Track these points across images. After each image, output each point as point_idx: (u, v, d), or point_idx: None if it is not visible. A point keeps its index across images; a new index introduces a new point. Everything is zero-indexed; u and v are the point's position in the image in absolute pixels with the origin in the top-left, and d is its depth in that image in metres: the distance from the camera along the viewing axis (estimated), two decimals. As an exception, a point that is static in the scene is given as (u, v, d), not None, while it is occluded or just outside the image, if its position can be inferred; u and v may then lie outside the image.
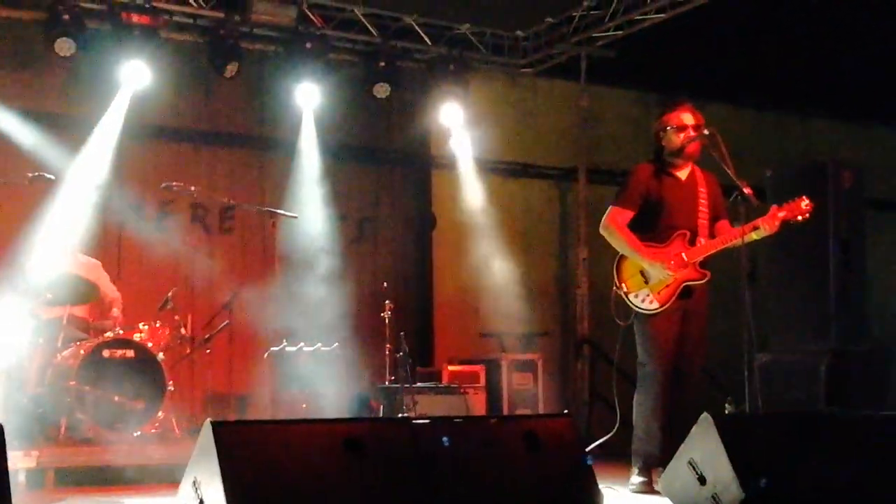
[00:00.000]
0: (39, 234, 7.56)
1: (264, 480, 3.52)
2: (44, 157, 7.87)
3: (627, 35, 9.28)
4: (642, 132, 5.99)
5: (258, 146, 9.30)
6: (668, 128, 5.61)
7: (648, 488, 5.41)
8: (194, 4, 8.56)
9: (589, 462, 4.18)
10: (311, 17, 8.91)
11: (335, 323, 8.05)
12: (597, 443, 5.82)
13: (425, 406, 7.73)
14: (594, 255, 9.31)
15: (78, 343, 6.83)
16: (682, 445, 4.38)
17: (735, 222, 5.45)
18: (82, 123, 8.30)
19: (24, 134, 8.03)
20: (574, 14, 9.39)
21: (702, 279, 5.50)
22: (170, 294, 7.23)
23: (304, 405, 7.50)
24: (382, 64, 9.13)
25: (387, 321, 7.89)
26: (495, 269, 9.67)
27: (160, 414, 6.75)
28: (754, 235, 5.39)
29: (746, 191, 5.27)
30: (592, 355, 9.68)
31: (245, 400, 7.99)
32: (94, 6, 8.27)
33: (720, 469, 4.12)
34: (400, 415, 7.46)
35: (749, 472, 4.06)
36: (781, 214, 5.37)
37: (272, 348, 7.48)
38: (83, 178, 8.08)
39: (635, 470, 5.53)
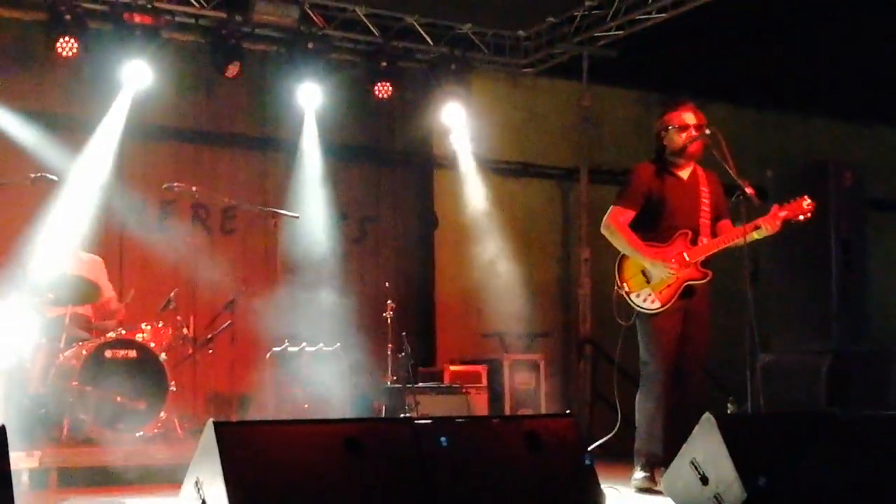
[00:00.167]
0: (42, 235, 7.57)
1: (266, 480, 3.53)
2: (46, 158, 7.88)
3: (629, 35, 9.27)
4: (644, 132, 5.99)
5: (260, 146, 9.30)
6: (670, 127, 5.61)
7: (651, 488, 5.41)
8: (196, 4, 8.57)
9: (591, 462, 4.18)
10: (313, 17, 8.92)
11: (337, 323, 8.05)
12: (598, 443, 5.82)
13: (427, 406, 7.74)
14: (596, 255, 9.31)
15: (80, 343, 6.84)
16: (685, 445, 4.38)
17: (736, 222, 5.46)
18: (84, 124, 8.31)
19: (26, 134, 8.04)
20: (576, 14, 9.39)
21: (703, 279, 5.51)
22: (172, 294, 7.23)
23: (306, 405, 7.50)
24: (384, 64, 9.14)
25: (388, 321, 7.89)
26: (497, 269, 9.67)
27: (162, 414, 6.76)
28: (756, 235, 5.39)
29: (748, 190, 5.27)
30: (594, 355, 9.68)
31: (247, 400, 7.99)
32: (96, 6, 8.27)
33: (722, 469, 4.13)
34: (402, 415, 7.47)
35: (751, 472, 4.06)
36: (783, 214, 5.37)
37: (274, 349, 7.49)
38: (85, 179, 8.08)
39: (638, 470, 5.54)
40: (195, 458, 3.67)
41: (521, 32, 9.92)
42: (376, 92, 9.13)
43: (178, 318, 7.20)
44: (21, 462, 5.70)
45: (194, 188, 7.38)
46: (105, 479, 6.06)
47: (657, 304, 5.49)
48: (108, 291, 7.49)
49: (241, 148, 9.23)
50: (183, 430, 6.83)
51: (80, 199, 7.89)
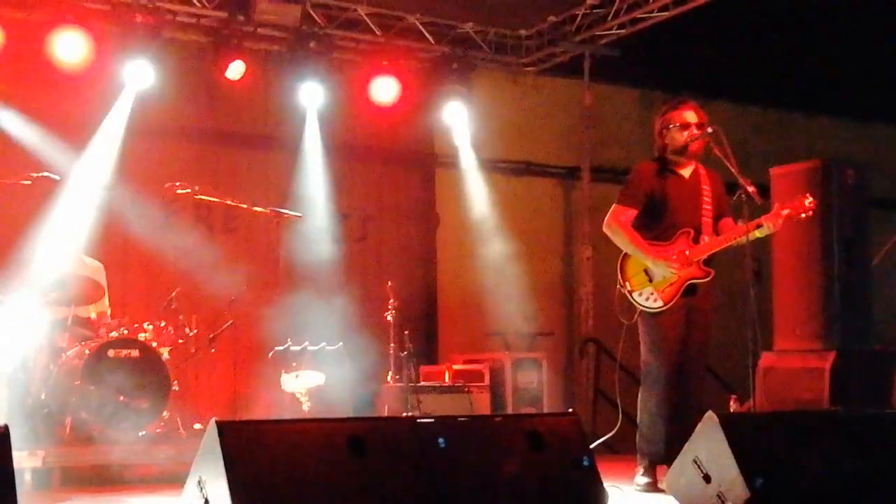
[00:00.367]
0: (44, 234, 7.57)
1: (269, 479, 3.53)
2: (48, 158, 7.88)
3: (630, 33, 9.29)
4: (646, 130, 5.98)
5: (262, 145, 9.30)
6: (672, 126, 5.61)
7: (653, 487, 5.41)
8: (198, 4, 8.57)
9: (593, 460, 4.18)
10: (315, 16, 8.93)
11: (339, 322, 8.05)
12: (600, 441, 5.82)
13: (429, 405, 7.74)
14: (598, 254, 9.32)
15: (83, 343, 6.84)
16: (687, 444, 4.38)
17: (739, 220, 5.45)
18: (86, 123, 8.31)
19: (29, 134, 8.04)
20: (577, 12, 9.40)
21: (706, 277, 5.50)
22: (174, 294, 7.24)
23: (308, 404, 7.50)
24: (385, 63, 9.15)
25: (391, 320, 7.90)
26: (499, 268, 9.67)
27: (165, 413, 6.77)
28: (758, 233, 5.38)
29: (750, 189, 5.26)
30: (597, 354, 9.67)
31: (249, 399, 7.99)
32: (99, 6, 8.27)
33: (725, 467, 4.12)
34: (404, 413, 7.47)
35: (753, 471, 4.06)
36: (785, 212, 5.36)
37: (277, 347, 7.49)
38: (88, 178, 8.09)
39: (640, 468, 5.53)
40: (198, 458, 3.68)
41: (522, 31, 9.92)
42: (378, 91, 9.13)
43: (181, 317, 7.20)
44: (24, 461, 5.72)
45: (196, 187, 7.38)
46: (108, 478, 6.08)
47: (660, 303, 5.49)
48: (104, 304, 7.43)
49: (243, 147, 9.23)
50: (185, 429, 6.84)
51: (82, 199, 7.89)
